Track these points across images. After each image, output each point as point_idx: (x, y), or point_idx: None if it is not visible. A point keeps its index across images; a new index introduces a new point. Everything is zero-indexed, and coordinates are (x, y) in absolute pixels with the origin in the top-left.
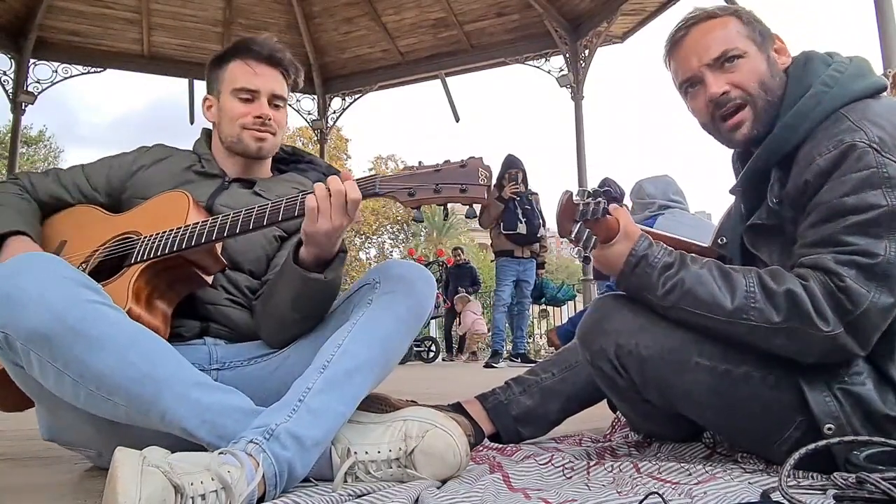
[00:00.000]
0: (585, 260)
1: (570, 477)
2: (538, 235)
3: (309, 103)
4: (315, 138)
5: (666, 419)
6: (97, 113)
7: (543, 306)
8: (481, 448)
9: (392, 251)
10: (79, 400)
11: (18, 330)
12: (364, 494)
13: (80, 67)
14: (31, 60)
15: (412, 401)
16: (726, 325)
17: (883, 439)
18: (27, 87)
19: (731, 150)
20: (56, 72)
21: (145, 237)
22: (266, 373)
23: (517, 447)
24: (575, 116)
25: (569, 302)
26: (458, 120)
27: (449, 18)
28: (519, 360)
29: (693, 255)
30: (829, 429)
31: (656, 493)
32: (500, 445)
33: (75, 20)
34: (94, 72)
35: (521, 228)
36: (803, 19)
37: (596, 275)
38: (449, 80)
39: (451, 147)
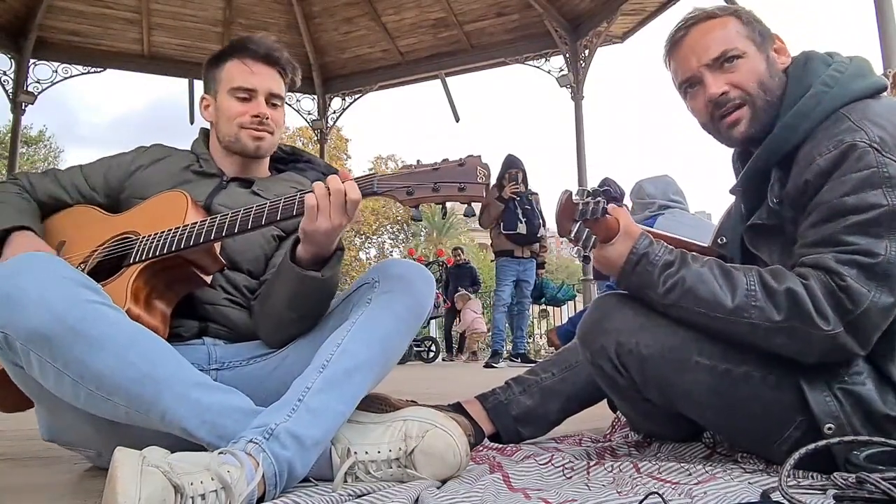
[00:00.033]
0: (585, 259)
1: (570, 477)
2: (538, 235)
3: (309, 103)
4: (315, 138)
5: (666, 418)
6: (97, 113)
7: (543, 306)
8: (481, 448)
9: (392, 251)
10: (79, 400)
11: (18, 330)
12: (364, 494)
13: (80, 67)
14: (31, 60)
15: (412, 401)
16: (727, 323)
17: (883, 439)
18: (27, 87)
19: (732, 151)
20: (56, 72)
21: (144, 237)
22: (265, 372)
23: (517, 447)
24: (575, 116)
25: (569, 302)
26: (458, 120)
27: (449, 18)
28: (519, 360)
29: (694, 253)
30: (830, 429)
31: (656, 493)
32: (500, 445)
33: (75, 20)
34: (94, 72)
35: (521, 228)
36: (803, 19)
37: (596, 275)
38: (449, 80)
39: (452, 147)
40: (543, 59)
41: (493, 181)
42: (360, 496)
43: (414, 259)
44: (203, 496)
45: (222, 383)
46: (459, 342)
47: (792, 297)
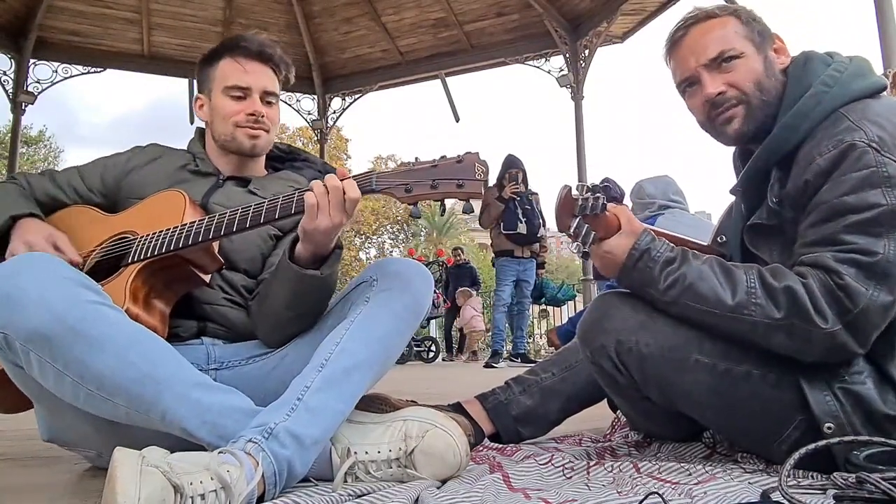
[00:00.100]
0: (584, 256)
1: (570, 477)
2: (538, 235)
3: (309, 103)
4: (315, 138)
5: (666, 418)
6: (97, 113)
7: (543, 306)
8: (481, 448)
9: (392, 251)
10: (79, 400)
11: (18, 330)
12: (364, 494)
13: (80, 67)
14: (31, 60)
15: (412, 401)
16: (727, 320)
17: (883, 439)
18: (27, 87)
19: (732, 151)
20: (56, 72)
21: (142, 237)
22: (264, 372)
23: (517, 447)
24: (575, 116)
25: (569, 302)
26: (458, 120)
27: (449, 18)
28: (519, 360)
29: (694, 251)
30: (829, 428)
31: (656, 493)
32: (500, 445)
33: (75, 20)
34: (94, 72)
35: (522, 228)
36: (803, 19)
37: (596, 275)
38: (449, 80)
39: (452, 147)
40: (543, 59)
41: (492, 181)
42: (360, 496)
43: (414, 259)
44: (203, 496)
45: (221, 383)
46: (459, 342)
47: (791, 295)
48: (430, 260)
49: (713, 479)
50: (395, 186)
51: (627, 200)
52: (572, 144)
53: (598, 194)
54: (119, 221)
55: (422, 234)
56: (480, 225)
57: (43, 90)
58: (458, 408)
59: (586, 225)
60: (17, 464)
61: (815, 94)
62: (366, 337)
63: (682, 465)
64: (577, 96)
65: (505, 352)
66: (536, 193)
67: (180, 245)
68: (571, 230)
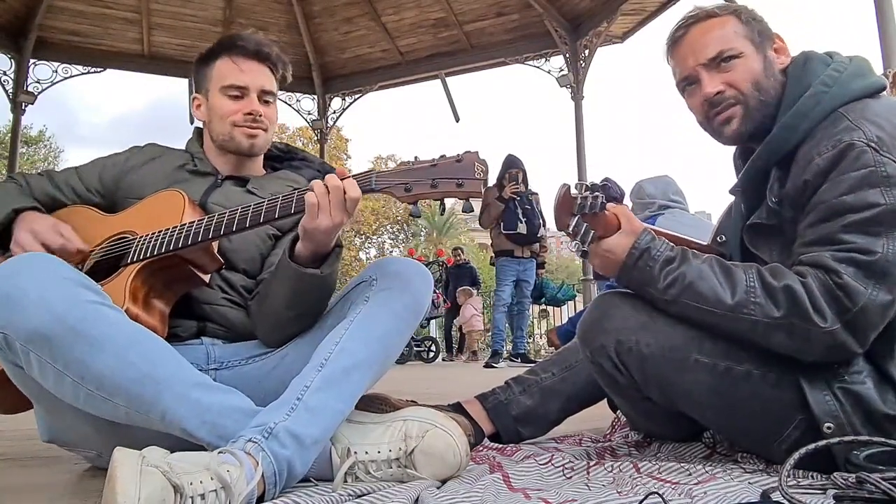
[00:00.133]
0: (583, 254)
1: (570, 477)
2: (538, 235)
3: (309, 103)
4: (315, 138)
5: (666, 418)
6: (97, 113)
7: (543, 306)
8: (481, 448)
9: (392, 251)
10: (79, 401)
11: (18, 331)
12: (364, 494)
13: (80, 67)
14: (31, 60)
15: (412, 401)
16: (727, 320)
17: (883, 439)
18: (27, 87)
19: (732, 151)
20: (56, 72)
21: (141, 237)
22: (264, 372)
23: (517, 447)
24: (575, 116)
25: (569, 302)
26: (458, 120)
27: (449, 18)
28: (519, 360)
29: (694, 250)
30: (829, 428)
31: (656, 493)
32: (500, 445)
33: (75, 20)
34: (94, 72)
35: (522, 228)
36: (803, 19)
37: (596, 275)
38: (449, 80)
39: (452, 147)
40: (543, 59)
41: (492, 181)
42: (360, 496)
43: (414, 259)
44: (203, 496)
45: (221, 383)
46: (459, 342)
47: (790, 294)
48: (430, 260)
49: (713, 479)
50: (395, 186)
51: (627, 200)
52: (572, 144)
53: (596, 193)
54: (118, 221)
55: (422, 234)
56: (480, 225)
57: (43, 90)
58: (458, 408)
59: (585, 224)
60: (17, 464)
61: (814, 93)
62: (365, 336)
63: (682, 465)
64: (577, 96)
65: (505, 352)
66: (536, 193)
67: (180, 245)
68: (570, 229)
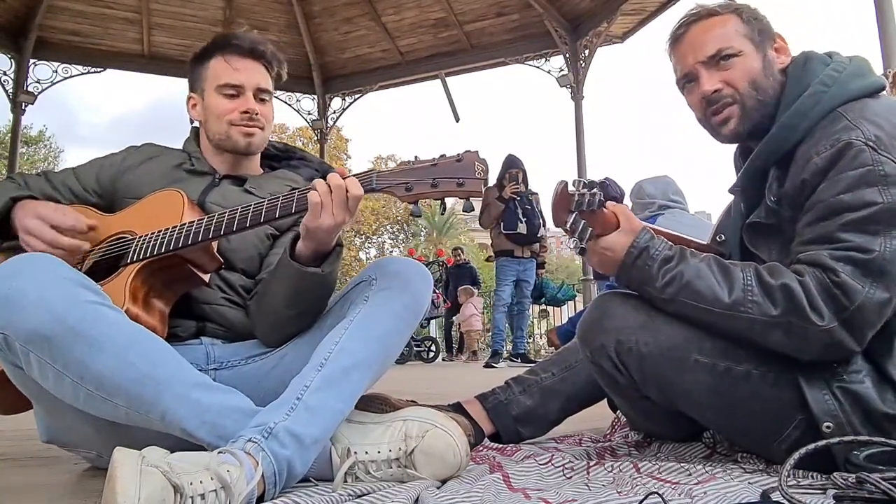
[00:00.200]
0: (581, 252)
1: (570, 477)
2: (538, 235)
3: (309, 103)
4: (315, 138)
5: (666, 417)
6: (97, 113)
7: (543, 306)
8: (481, 448)
9: (392, 251)
10: (78, 401)
11: (18, 331)
12: (364, 494)
13: (80, 67)
14: (31, 60)
15: (412, 401)
16: (725, 318)
17: (883, 439)
18: (27, 87)
19: (732, 150)
20: (56, 72)
21: (141, 236)
22: (263, 371)
23: (517, 447)
24: (575, 116)
25: (569, 302)
26: (458, 120)
27: (449, 18)
28: (519, 360)
29: (692, 250)
30: (828, 427)
31: (656, 493)
32: (500, 445)
33: (75, 20)
34: (94, 72)
35: (522, 228)
36: (803, 19)
37: (596, 275)
38: (449, 79)
39: (452, 147)
40: (543, 59)
41: (492, 181)
42: (360, 496)
43: (414, 259)
44: (202, 496)
45: (221, 383)
46: (459, 342)
47: (787, 293)
48: (430, 260)
49: (713, 479)
50: (396, 185)
51: (627, 200)
52: (572, 144)
53: (594, 190)
54: (117, 221)
55: (422, 234)
56: (480, 225)
57: (43, 90)
58: (458, 408)
59: (583, 221)
60: (17, 464)
61: (813, 93)
62: (365, 336)
63: (682, 465)
64: (577, 96)
65: (505, 352)
66: (536, 193)
67: (180, 245)
68: (568, 226)
